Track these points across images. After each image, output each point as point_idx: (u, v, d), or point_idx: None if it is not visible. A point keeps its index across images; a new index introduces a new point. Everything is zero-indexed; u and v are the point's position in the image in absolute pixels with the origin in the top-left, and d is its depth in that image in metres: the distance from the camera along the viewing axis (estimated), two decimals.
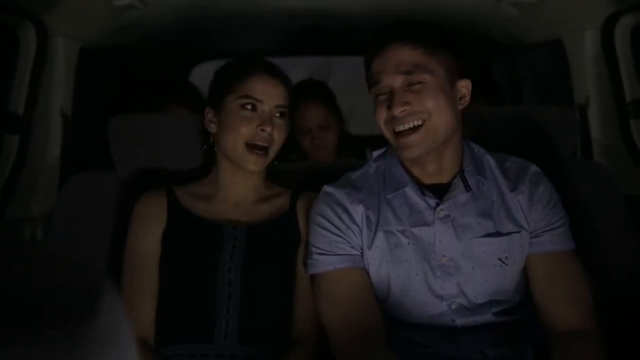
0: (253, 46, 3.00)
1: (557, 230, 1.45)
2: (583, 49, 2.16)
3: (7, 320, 0.40)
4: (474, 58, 2.99)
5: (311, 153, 2.54)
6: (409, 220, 1.44)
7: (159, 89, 2.55)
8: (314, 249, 1.46)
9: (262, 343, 1.49)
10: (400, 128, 1.39)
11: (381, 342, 1.38)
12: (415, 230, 1.43)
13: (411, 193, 1.45)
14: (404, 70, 1.38)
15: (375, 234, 1.44)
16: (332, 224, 1.45)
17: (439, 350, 1.44)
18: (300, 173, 1.85)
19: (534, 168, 1.49)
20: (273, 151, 1.58)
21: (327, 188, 1.50)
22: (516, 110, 2.02)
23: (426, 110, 1.38)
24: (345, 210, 1.46)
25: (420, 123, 1.38)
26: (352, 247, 1.45)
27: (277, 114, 1.58)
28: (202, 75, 3.07)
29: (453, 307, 1.43)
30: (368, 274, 1.45)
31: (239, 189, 1.62)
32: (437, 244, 1.43)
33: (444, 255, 1.43)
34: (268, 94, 1.56)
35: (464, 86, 1.45)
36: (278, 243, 1.57)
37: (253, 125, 1.54)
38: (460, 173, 1.46)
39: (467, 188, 1.44)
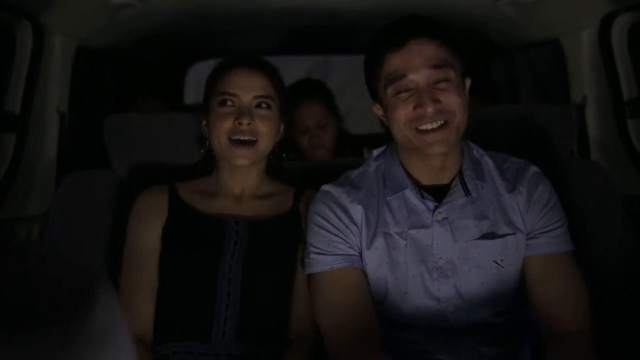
0: (251, 45, 3.00)
1: (554, 231, 1.44)
2: (580, 49, 2.16)
3: (2, 320, 0.40)
4: (471, 58, 2.99)
5: (309, 152, 2.54)
6: (407, 222, 1.44)
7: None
8: (311, 249, 1.46)
9: (260, 341, 1.48)
10: (427, 127, 1.37)
11: (375, 342, 1.38)
12: (413, 232, 1.43)
13: (410, 195, 1.44)
14: (433, 64, 1.37)
15: (374, 234, 1.44)
16: (331, 223, 1.45)
17: (436, 349, 1.44)
18: (299, 172, 1.84)
19: (533, 169, 1.49)
20: (263, 144, 1.56)
21: (326, 187, 1.49)
22: (514, 110, 2.02)
23: (453, 109, 1.37)
24: (344, 209, 1.46)
25: (443, 122, 1.37)
26: (350, 247, 1.44)
27: (259, 105, 1.56)
28: (199, 74, 3.07)
29: (450, 308, 1.43)
30: (365, 274, 1.45)
31: (238, 185, 1.61)
32: (435, 247, 1.42)
33: (441, 258, 1.42)
34: (243, 87, 1.55)
35: (467, 84, 1.46)
36: (280, 241, 1.57)
37: (231, 120, 1.53)
38: (460, 177, 1.45)
39: (466, 193, 1.44)
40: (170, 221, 1.56)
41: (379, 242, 1.44)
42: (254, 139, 1.54)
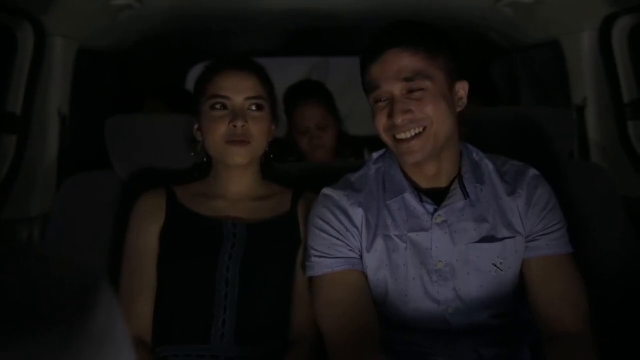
0: (251, 46, 3.01)
1: (554, 234, 1.44)
2: (581, 50, 2.16)
3: (2, 320, 0.40)
4: (471, 59, 2.99)
5: (309, 153, 2.54)
6: (407, 225, 1.44)
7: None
8: (312, 251, 1.46)
9: (258, 343, 1.48)
10: (402, 136, 1.38)
11: (375, 343, 1.38)
12: (412, 235, 1.43)
13: (410, 198, 1.44)
14: (404, 77, 1.36)
15: (374, 237, 1.44)
16: (331, 226, 1.45)
17: (436, 351, 1.44)
18: (299, 173, 1.85)
19: (532, 171, 1.49)
20: (257, 144, 1.56)
21: (326, 190, 1.50)
22: (514, 111, 2.02)
23: (427, 117, 1.36)
24: (345, 212, 1.46)
25: (421, 130, 1.37)
26: (350, 250, 1.45)
27: (251, 107, 1.55)
28: None
29: (449, 311, 1.43)
30: (365, 276, 1.45)
31: (236, 186, 1.61)
32: (434, 249, 1.43)
33: (440, 260, 1.43)
34: (234, 89, 1.55)
35: (461, 88, 1.43)
36: (278, 243, 1.56)
37: (225, 122, 1.53)
38: (459, 179, 1.45)
39: (465, 195, 1.44)
40: (167, 224, 1.56)
41: (379, 244, 1.44)
42: (247, 140, 1.54)
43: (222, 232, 1.55)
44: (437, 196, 1.45)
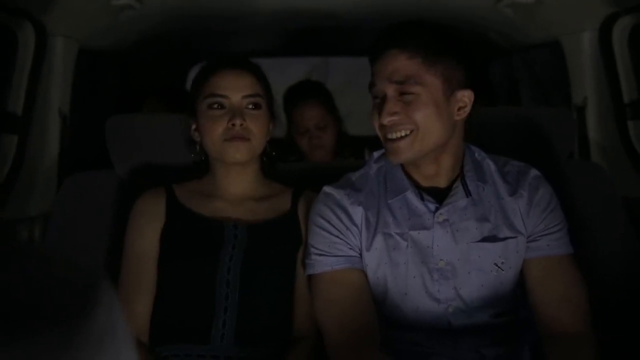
0: (251, 47, 3.01)
1: (555, 234, 1.45)
2: (581, 50, 2.16)
3: (3, 319, 0.40)
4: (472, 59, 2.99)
5: (309, 153, 2.54)
6: (408, 223, 1.44)
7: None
8: (312, 250, 1.46)
9: (259, 344, 1.48)
10: (389, 136, 1.39)
11: (375, 343, 1.39)
12: (414, 233, 1.43)
13: (411, 197, 1.45)
14: (396, 80, 1.37)
15: (374, 235, 1.44)
16: (332, 224, 1.45)
17: (436, 350, 1.44)
18: (299, 173, 1.85)
19: (534, 172, 1.49)
20: (256, 142, 1.56)
21: (327, 189, 1.50)
22: (514, 112, 2.02)
23: (414, 122, 1.36)
24: (345, 211, 1.46)
25: (407, 133, 1.37)
26: (350, 249, 1.45)
27: (249, 106, 1.56)
28: None
29: (450, 310, 1.44)
30: (365, 275, 1.45)
31: (235, 186, 1.61)
32: (435, 248, 1.43)
33: (441, 259, 1.43)
34: (232, 88, 1.55)
35: (465, 96, 1.41)
36: (278, 244, 1.56)
37: (224, 122, 1.53)
38: (461, 178, 1.45)
39: (468, 194, 1.44)
40: (168, 224, 1.56)
41: (379, 242, 1.44)
42: (248, 138, 1.54)
43: (223, 233, 1.54)
44: (437, 195, 1.45)
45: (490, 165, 1.50)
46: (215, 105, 1.55)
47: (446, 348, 1.44)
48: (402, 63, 1.37)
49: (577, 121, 2.18)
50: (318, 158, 2.53)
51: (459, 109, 1.41)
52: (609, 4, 1.96)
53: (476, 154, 1.51)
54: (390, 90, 1.37)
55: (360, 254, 1.45)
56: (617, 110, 2.07)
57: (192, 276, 1.51)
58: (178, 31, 2.60)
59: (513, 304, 1.47)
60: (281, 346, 1.51)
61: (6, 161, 1.92)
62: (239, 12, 2.37)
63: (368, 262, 1.45)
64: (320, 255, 1.44)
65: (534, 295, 1.43)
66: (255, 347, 1.48)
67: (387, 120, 1.37)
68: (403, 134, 1.37)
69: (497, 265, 1.43)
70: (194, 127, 1.62)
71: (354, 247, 1.45)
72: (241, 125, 1.52)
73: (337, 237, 1.44)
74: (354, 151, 2.70)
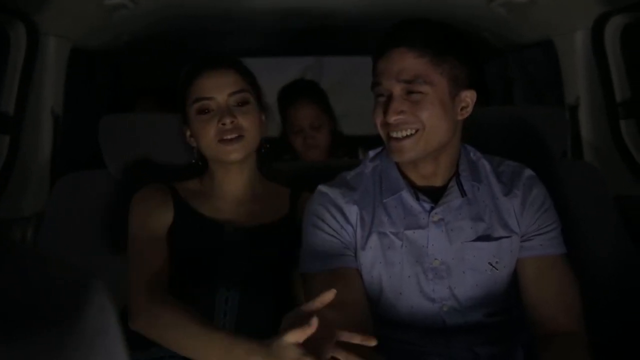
0: (245, 46, 3.01)
1: (548, 234, 1.45)
2: (574, 50, 2.17)
3: (2, 319, 0.40)
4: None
5: (303, 152, 2.54)
6: (403, 222, 1.44)
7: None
8: (307, 248, 1.46)
9: None
10: (394, 135, 1.38)
11: None
12: (409, 232, 1.44)
13: (407, 196, 1.45)
14: (404, 78, 1.36)
15: (369, 235, 1.44)
16: (326, 223, 1.45)
17: (430, 349, 1.44)
18: (294, 173, 1.85)
19: (528, 172, 1.50)
20: (250, 137, 1.54)
21: (322, 188, 1.50)
22: (507, 111, 2.03)
23: (420, 121, 1.36)
24: (340, 210, 1.46)
25: (413, 132, 1.37)
26: (345, 248, 1.45)
27: (236, 103, 1.55)
28: None
29: (444, 309, 1.44)
30: (360, 274, 1.45)
31: (233, 185, 1.60)
32: (430, 247, 1.43)
33: (436, 259, 1.43)
34: (215, 88, 1.54)
35: (468, 97, 1.41)
36: (278, 246, 1.56)
37: (214, 123, 1.52)
38: (457, 178, 1.45)
39: (463, 193, 1.44)
40: (176, 221, 1.55)
41: (373, 241, 1.44)
42: (242, 134, 1.53)
43: (223, 236, 1.54)
44: (433, 195, 1.45)
45: (485, 165, 1.50)
46: (204, 109, 1.54)
47: (440, 347, 1.44)
48: (410, 62, 1.36)
49: (570, 120, 2.19)
50: (312, 157, 2.53)
51: (461, 109, 1.41)
52: (601, 3, 1.97)
53: (471, 154, 1.52)
54: (398, 89, 1.36)
55: (355, 253, 1.45)
56: (610, 110, 2.08)
57: (192, 278, 1.50)
58: (172, 31, 2.60)
59: (507, 304, 1.47)
60: None
61: None
62: (233, 12, 2.37)
63: (363, 262, 1.45)
64: (315, 254, 1.44)
65: (527, 294, 1.44)
66: None
67: (393, 119, 1.36)
68: (408, 133, 1.37)
69: (491, 265, 1.44)
70: (188, 133, 1.61)
71: (348, 246, 1.45)
72: (232, 123, 1.52)
73: (332, 236, 1.44)
74: (348, 151, 2.71)
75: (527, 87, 2.82)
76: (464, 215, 1.44)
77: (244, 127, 1.53)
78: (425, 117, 1.36)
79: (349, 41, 2.88)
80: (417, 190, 1.45)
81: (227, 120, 1.51)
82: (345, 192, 1.48)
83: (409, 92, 1.36)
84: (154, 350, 1.47)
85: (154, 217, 1.54)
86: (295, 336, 1.16)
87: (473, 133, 1.54)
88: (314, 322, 1.14)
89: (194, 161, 1.64)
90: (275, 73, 3.03)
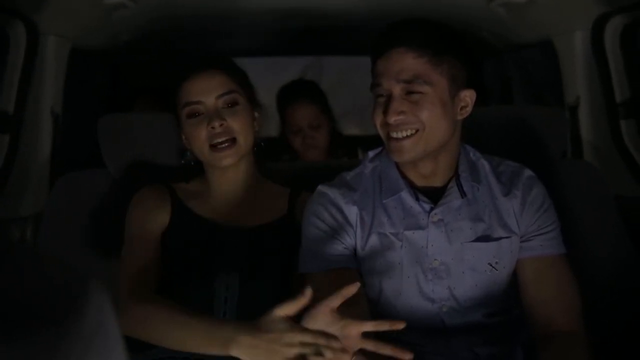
0: (245, 46, 3.00)
1: (548, 234, 1.45)
2: (573, 50, 2.17)
3: (2, 319, 0.40)
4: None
5: (302, 152, 2.54)
6: (403, 223, 1.44)
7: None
8: (306, 248, 1.46)
9: None
10: (394, 135, 1.38)
11: None
12: (409, 233, 1.43)
13: (406, 197, 1.45)
14: (404, 79, 1.36)
15: (368, 235, 1.44)
16: (326, 224, 1.45)
17: (430, 350, 1.44)
18: (293, 173, 1.84)
19: (528, 172, 1.50)
20: (242, 138, 1.53)
21: (322, 188, 1.50)
22: (506, 111, 2.03)
23: (420, 121, 1.36)
24: (340, 210, 1.46)
25: (413, 132, 1.37)
26: (345, 248, 1.45)
27: (225, 105, 1.54)
28: None
29: (444, 309, 1.44)
30: (360, 274, 1.45)
31: (230, 185, 1.60)
32: (430, 248, 1.43)
33: (435, 259, 1.43)
34: (203, 91, 1.54)
35: (468, 96, 1.41)
36: (277, 247, 1.55)
37: (204, 127, 1.52)
38: (456, 178, 1.45)
39: (462, 194, 1.44)
40: (173, 222, 1.55)
41: (373, 242, 1.44)
42: (233, 137, 1.52)
43: (221, 236, 1.54)
44: (432, 195, 1.45)
45: (484, 165, 1.50)
46: (194, 114, 1.54)
47: (440, 347, 1.44)
48: (409, 62, 1.35)
49: (570, 120, 2.19)
50: (312, 157, 2.53)
51: (461, 109, 1.41)
52: (601, 3, 1.97)
53: (471, 154, 1.52)
54: (397, 90, 1.36)
55: (355, 254, 1.45)
56: (610, 110, 2.08)
57: (191, 278, 1.50)
58: (171, 31, 2.59)
59: (506, 304, 1.47)
60: None
61: None
62: (232, 12, 2.37)
63: (362, 262, 1.45)
64: (314, 254, 1.44)
65: (527, 294, 1.44)
66: None
67: (393, 119, 1.36)
68: (408, 133, 1.37)
69: (491, 265, 1.44)
70: (184, 136, 1.61)
71: (348, 246, 1.45)
72: (221, 126, 1.51)
73: (332, 236, 1.44)
74: (348, 151, 2.71)
75: (526, 87, 2.82)
76: (463, 215, 1.44)
77: (235, 129, 1.52)
78: (425, 117, 1.36)
79: (349, 41, 2.87)
80: (417, 191, 1.45)
81: (216, 124, 1.51)
82: (345, 193, 1.47)
83: (409, 92, 1.36)
84: (155, 352, 1.46)
85: (151, 219, 1.54)
86: (287, 309, 1.15)
87: (473, 133, 1.54)
88: (308, 293, 1.14)
89: (192, 163, 1.63)
90: (275, 73, 3.03)
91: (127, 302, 1.39)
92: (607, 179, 1.89)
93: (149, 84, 2.91)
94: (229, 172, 1.59)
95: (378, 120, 1.40)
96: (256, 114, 1.61)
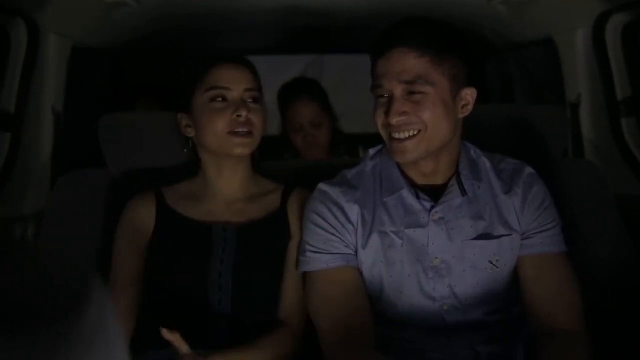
0: (246, 45, 3.00)
1: (548, 232, 1.45)
2: (575, 48, 2.16)
3: (2, 319, 0.40)
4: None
5: (304, 151, 2.54)
6: (404, 221, 1.44)
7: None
8: (308, 247, 1.46)
9: None
10: (396, 136, 1.38)
11: (370, 341, 1.39)
12: (410, 231, 1.43)
13: (407, 195, 1.45)
14: (405, 79, 1.35)
15: (370, 234, 1.44)
16: (328, 222, 1.45)
17: (432, 348, 1.44)
18: (294, 171, 1.85)
19: (528, 170, 1.49)
20: (258, 135, 1.55)
21: (323, 186, 1.50)
22: (507, 109, 2.03)
23: (422, 122, 1.36)
24: (341, 209, 1.46)
25: (415, 133, 1.37)
26: (346, 247, 1.45)
27: (250, 99, 1.55)
28: None
29: (445, 308, 1.44)
30: (361, 273, 1.45)
31: (226, 185, 1.60)
32: (431, 246, 1.43)
33: (436, 257, 1.43)
34: (234, 80, 1.54)
35: (469, 94, 1.41)
36: (269, 244, 1.55)
37: (228, 114, 1.51)
38: (457, 177, 1.45)
39: (463, 192, 1.44)
40: (157, 231, 1.55)
41: (375, 241, 1.44)
42: (250, 130, 1.53)
43: (211, 237, 1.53)
44: (433, 193, 1.45)
45: (485, 163, 1.50)
46: (218, 98, 1.54)
47: (440, 345, 1.44)
48: (412, 62, 1.35)
49: (571, 119, 2.19)
50: (313, 156, 2.53)
51: (462, 107, 1.41)
52: (602, 1, 1.97)
53: (472, 152, 1.51)
54: (399, 90, 1.36)
55: (356, 252, 1.45)
56: (611, 108, 2.08)
57: (184, 281, 1.50)
58: (173, 29, 2.60)
59: (507, 302, 1.47)
60: None
61: None
62: (233, 10, 2.37)
63: (364, 261, 1.45)
64: (316, 252, 1.44)
65: (527, 292, 1.44)
66: None
67: (395, 120, 1.35)
68: (411, 134, 1.37)
69: (491, 263, 1.44)
70: (185, 123, 1.60)
71: (349, 245, 1.45)
72: (246, 116, 1.52)
73: (333, 234, 1.44)
74: (349, 149, 2.70)
75: (528, 85, 2.82)
76: (464, 214, 1.44)
77: (255, 125, 1.53)
78: (428, 117, 1.36)
79: (350, 39, 2.87)
80: (418, 189, 1.45)
81: (243, 113, 1.51)
82: (346, 191, 1.47)
83: (411, 93, 1.35)
84: (150, 354, 1.46)
85: (134, 231, 1.56)
86: None
87: (474, 132, 1.54)
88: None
89: (186, 151, 1.63)
90: (276, 71, 3.03)
91: None
92: (608, 178, 1.89)
93: (150, 83, 2.91)
94: (227, 169, 1.59)
95: (380, 121, 1.40)
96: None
